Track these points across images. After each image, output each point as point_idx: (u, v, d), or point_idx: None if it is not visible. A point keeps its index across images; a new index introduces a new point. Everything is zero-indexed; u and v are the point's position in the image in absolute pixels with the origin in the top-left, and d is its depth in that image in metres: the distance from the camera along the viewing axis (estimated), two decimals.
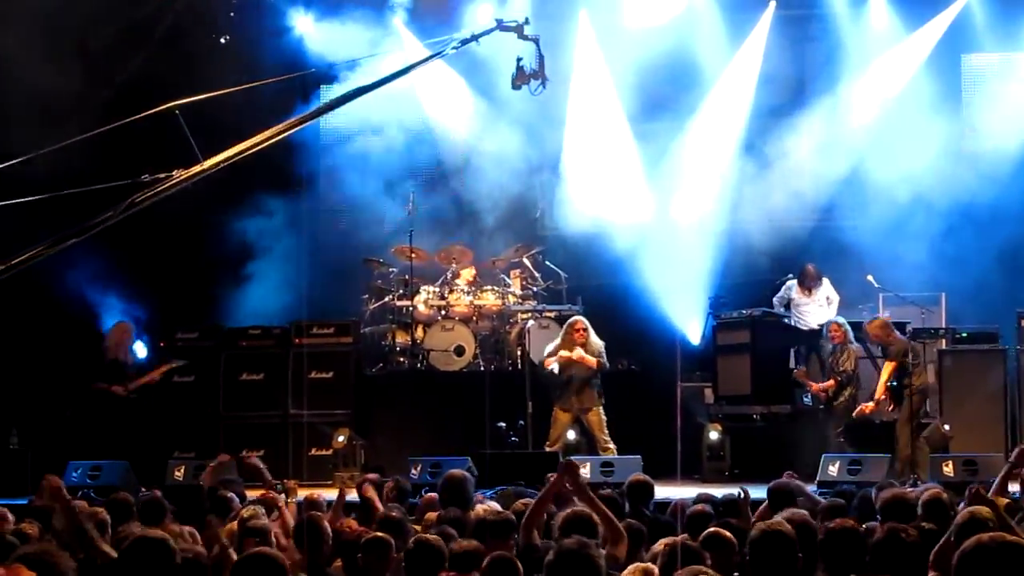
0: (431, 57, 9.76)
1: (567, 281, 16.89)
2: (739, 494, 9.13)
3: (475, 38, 9.66)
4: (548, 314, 16.31)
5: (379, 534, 7.08)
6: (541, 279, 16.90)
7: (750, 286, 16.85)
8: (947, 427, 14.27)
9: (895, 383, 14.17)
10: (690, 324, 16.62)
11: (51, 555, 5.12)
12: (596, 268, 16.99)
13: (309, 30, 17.59)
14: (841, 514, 7.27)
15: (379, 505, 9.07)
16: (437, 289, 16.45)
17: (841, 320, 14.97)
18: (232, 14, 17.30)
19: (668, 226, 16.94)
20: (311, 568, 6.57)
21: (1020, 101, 16.91)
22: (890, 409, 14.29)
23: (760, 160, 17.03)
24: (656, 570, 5.55)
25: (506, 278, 16.80)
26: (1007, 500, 7.98)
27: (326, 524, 7.31)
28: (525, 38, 10.27)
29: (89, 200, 7.40)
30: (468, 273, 16.60)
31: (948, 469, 12.55)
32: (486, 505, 8.87)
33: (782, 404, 15.52)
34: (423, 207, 17.29)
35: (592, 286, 16.96)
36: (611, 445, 14.26)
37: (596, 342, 14.61)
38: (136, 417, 14.96)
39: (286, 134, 7.89)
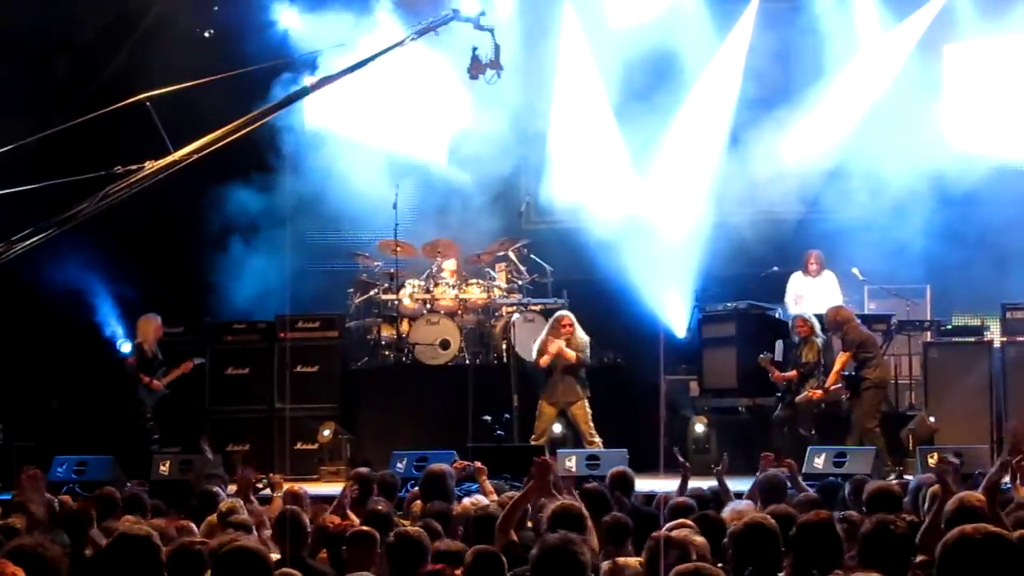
0: (388, 48, 9.73)
1: (552, 275, 16.81)
2: (721, 462, 9.45)
3: (432, 27, 9.67)
4: (533, 308, 16.27)
5: (364, 528, 7.06)
6: (526, 273, 16.83)
7: (736, 279, 16.81)
8: (932, 419, 14.29)
9: (854, 374, 14.14)
10: (676, 317, 16.60)
11: (44, 549, 5.07)
12: (581, 262, 16.91)
13: (294, 23, 17.47)
14: (817, 507, 7.26)
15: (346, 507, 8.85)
16: (422, 283, 16.38)
17: (808, 315, 14.93)
18: (215, 8, 17.19)
19: (654, 219, 16.90)
20: (292, 561, 6.53)
21: (1002, 90, 16.89)
22: (845, 397, 14.28)
23: (746, 152, 16.99)
24: (635, 562, 5.53)
25: (491, 272, 16.74)
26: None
27: (305, 518, 7.28)
28: (481, 28, 10.26)
29: (68, 192, 7.38)
30: (450, 265, 16.54)
31: (934, 461, 12.55)
32: (472, 499, 8.85)
33: (768, 396, 15.52)
34: (408, 201, 17.22)
35: (578, 280, 16.90)
36: (596, 439, 14.25)
37: (582, 337, 14.60)
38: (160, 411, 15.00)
39: (255, 126, 7.87)
